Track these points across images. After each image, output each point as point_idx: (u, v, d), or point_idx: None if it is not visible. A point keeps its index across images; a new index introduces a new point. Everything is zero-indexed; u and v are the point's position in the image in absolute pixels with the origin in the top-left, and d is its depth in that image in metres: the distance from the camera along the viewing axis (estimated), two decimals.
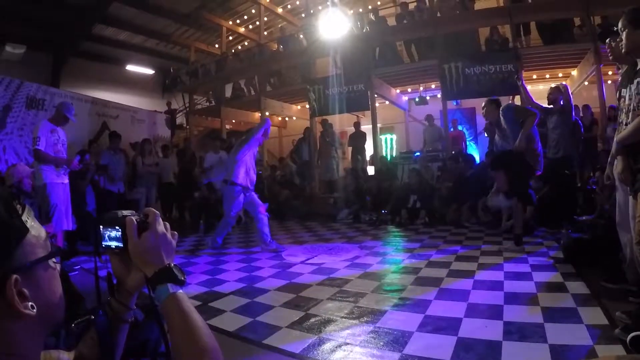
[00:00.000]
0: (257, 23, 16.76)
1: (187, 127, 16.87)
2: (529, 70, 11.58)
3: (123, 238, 1.05)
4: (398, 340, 2.89)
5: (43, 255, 0.86)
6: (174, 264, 1.04)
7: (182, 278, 1.03)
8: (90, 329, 1.11)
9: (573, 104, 6.88)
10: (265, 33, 16.98)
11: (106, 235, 1.08)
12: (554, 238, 5.86)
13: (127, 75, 18.63)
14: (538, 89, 11.57)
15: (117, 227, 1.06)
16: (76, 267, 5.34)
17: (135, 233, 1.04)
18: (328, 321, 3.34)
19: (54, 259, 0.90)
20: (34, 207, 5.65)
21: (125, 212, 1.08)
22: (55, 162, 5.69)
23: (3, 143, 9.00)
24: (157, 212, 1.09)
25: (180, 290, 1.01)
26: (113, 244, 1.07)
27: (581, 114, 9.19)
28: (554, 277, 4.20)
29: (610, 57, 3.32)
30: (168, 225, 1.11)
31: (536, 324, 2.99)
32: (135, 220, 1.05)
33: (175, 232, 1.12)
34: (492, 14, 11.34)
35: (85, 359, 1.08)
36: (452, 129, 12.26)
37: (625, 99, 3.05)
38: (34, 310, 0.79)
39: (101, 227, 1.08)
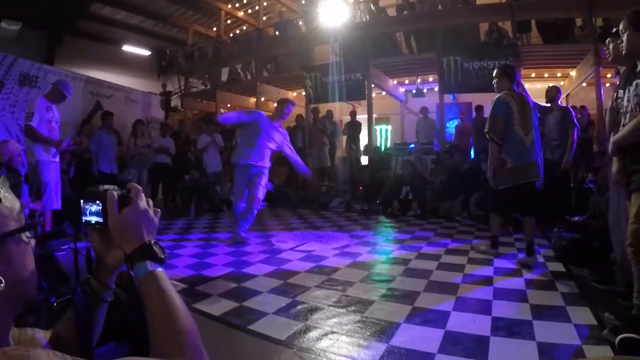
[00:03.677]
0: (257, 8, 16.63)
1: (182, 109, 16.77)
2: (528, 68, 11.55)
3: (103, 213, 1.01)
4: (385, 331, 2.86)
5: (15, 228, 0.82)
6: (155, 242, 1.00)
7: (162, 256, 0.99)
8: (69, 308, 1.07)
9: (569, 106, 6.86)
10: (264, 18, 16.86)
11: (87, 210, 1.04)
12: (545, 237, 5.86)
13: (123, 55, 18.43)
14: (536, 88, 11.56)
15: (97, 202, 1.02)
16: (63, 247, 5.27)
17: (115, 208, 0.99)
18: (315, 309, 3.32)
19: (27, 234, 0.86)
20: (24, 185, 5.62)
21: (106, 186, 1.04)
22: (45, 142, 5.61)
23: None
24: (140, 187, 1.05)
25: (160, 269, 0.97)
26: (93, 219, 1.03)
27: (578, 115, 9.18)
28: (543, 275, 4.18)
29: (610, 59, 3.29)
30: (151, 202, 1.07)
31: (524, 320, 2.97)
32: (117, 194, 1.01)
33: (158, 210, 1.08)
34: (493, 10, 11.28)
35: (62, 338, 1.05)
36: (459, 122, 12.23)
37: (623, 101, 3.03)
38: (2, 284, 0.75)
39: (82, 201, 1.04)
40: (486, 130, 4.83)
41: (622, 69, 3.37)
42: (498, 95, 4.85)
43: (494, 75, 5.14)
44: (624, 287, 3.41)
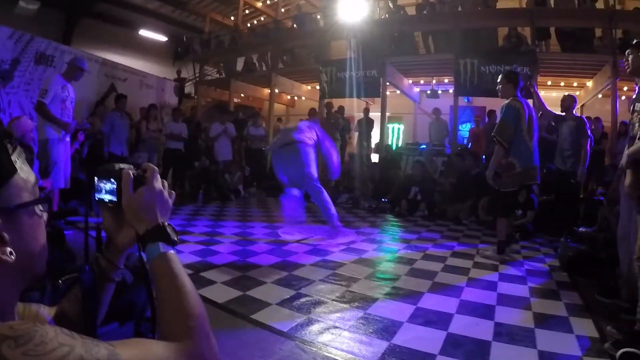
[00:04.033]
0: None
1: (195, 97, 16.78)
2: (544, 76, 11.46)
3: (117, 192, 1.01)
4: (387, 329, 2.88)
5: (29, 200, 0.82)
6: (168, 224, 1.00)
7: (176, 238, 0.99)
8: (75, 286, 1.08)
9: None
10: (283, 10, 16.83)
11: (101, 188, 1.04)
12: (552, 246, 5.84)
13: (140, 40, 18.43)
14: (551, 96, 11.48)
15: (112, 180, 1.01)
16: (72, 226, 5.32)
17: (131, 187, 0.99)
18: (318, 302, 3.34)
19: (40, 207, 0.87)
20: (35, 161, 5.66)
21: (122, 165, 1.03)
22: (55, 122, 5.63)
23: (9, 96, 8.93)
24: (156, 167, 1.05)
25: (172, 251, 0.97)
26: (107, 197, 1.03)
27: (592, 127, 9.13)
28: (548, 284, 4.19)
29: (628, 70, 3.26)
30: (166, 183, 1.07)
31: (527, 328, 2.98)
32: (132, 174, 1.01)
33: (173, 192, 1.08)
34: (513, 15, 11.21)
35: (67, 315, 1.05)
36: (474, 126, 12.18)
37: (639, 113, 3.02)
38: (12, 257, 0.75)
39: (96, 178, 1.04)
40: (494, 134, 4.96)
41: None
42: (507, 101, 4.97)
43: (498, 81, 5.23)
44: (628, 302, 3.38)
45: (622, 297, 3.51)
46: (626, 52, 3.04)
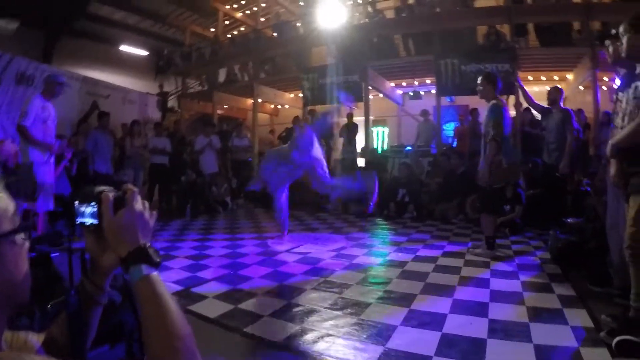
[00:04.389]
0: (255, 9, 16.59)
1: (179, 110, 16.71)
2: (525, 71, 11.54)
3: (98, 214, 0.99)
4: (381, 334, 2.86)
5: (9, 230, 0.81)
6: (150, 245, 0.98)
7: (157, 260, 0.97)
8: (63, 311, 1.06)
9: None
10: (262, 19, 16.80)
11: (82, 212, 1.02)
12: (541, 239, 5.87)
13: (121, 55, 18.36)
14: (533, 91, 11.50)
15: (92, 203, 1.00)
16: (58, 249, 5.22)
17: (111, 209, 0.98)
18: (311, 311, 3.31)
19: (22, 235, 0.84)
20: (18, 185, 5.55)
21: (102, 188, 1.02)
22: (37, 146, 5.53)
23: None
24: (136, 189, 1.03)
25: (155, 273, 0.95)
26: (88, 220, 1.01)
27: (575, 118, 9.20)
28: (540, 277, 4.20)
29: (610, 60, 3.27)
30: (147, 203, 1.05)
31: (521, 323, 2.98)
32: (112, 196, 1.00)
33: (154, 212, 1.06)
34: (492, 13, 11.30)
35: (56, 341, 1.03)
36: (459, 124, 12.23)
37: (622, 103, 3.03)
38: None
39: (76, 202, 1.02)
40: (493, 134, 4.96)
41: (623, 71, 3.36)
42: (494, 102, 5.12)
43: (478, 82, 5.35)
44: (620, 290, 3.42)
45: (615, 286, 3.54)
46: (606, 43, 3.05)
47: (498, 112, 5.03)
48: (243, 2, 17.16)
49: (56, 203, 5.92)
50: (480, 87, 5.28)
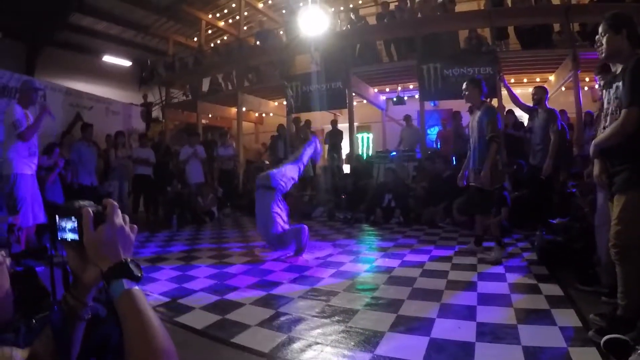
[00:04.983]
0: (237, 17, 16.60)
1: (163, 120, 16.64)
2: (507, 74, 11.59)
3: (79, 230, 0.99)
4: (370, 341, 2.83)
5: None
6: (131, 259, 0.98)
7: (139, 274, 0.97)
8: (46, 326, 1.04)
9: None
10: (245, 28, 16.82)
11: (62, 227, 1.01)
12: (529, 240, 5.89)
13: (104, 66, 18.19)
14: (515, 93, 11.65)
15: (72, 218, 1.00)
16: (42, 264, 5.11)
17: (91, 225, 0.97)
18: (299, 320, 3.27)
19: (2, 253, 0.82)
20: (1, 199, 5.46)
21: (82, 202, 1.02)
22: (38, 124, 5.45)
23: None
24: (116, 203, 1.02)
25: (137, 287, 0.95)
26: (69, 236, 1.01)
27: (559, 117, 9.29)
28: (527, 278, 4.20)
29: (602, 56, 3.23)
30: (127, 218, 1.04)
31: (509, 325, 2.97)
32: (92, 211, 0.99)
33: (135, 226, 1.06)
34: (472, 17, 11.41)
35: (40, 357, 1.02)
36: (441, 128, 12.29)
37: (604, 103, 3.05)
38: None
39: (57, 217, 1.02)
40: (493, 134, 5.07)
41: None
42: (487, 105, 5.35)
43: (464, 87, 5.43)
44: (608, 288, 3.47)
45: (603, 284, 3.59)
46: (596, 39, 3.05)
47: (492, 113, 5.17)
48: (226, 12, 17.22)
49: (48, 213, 5.82)
50: (466, 92, 5.36)
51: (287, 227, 5.68)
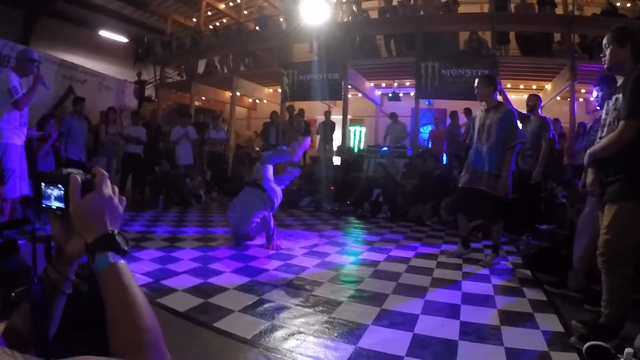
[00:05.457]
0: (238, 1, 16.48)
1: (156, 99, 16.50)
2: (504, 79, 11.59)
3: (65, 198, 0.94)
4: (353, 333, 2.82)
5: None
6: (119, 231, 0.93)
7: (126, 248, 0.92)
8: (25, 300, 1.00)
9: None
10: (245, 12, 16.69)
11: (48, 194, 0.96)
12: (514, 244, 5.92)
13: (100, 41, 17.93)
14: (510, 98, 11.68)
15: (59, 185, 0.95)
16: (24, 236, 4.99)
17: (78, 193, 0.92)
18: (282, 308, 3.26)
19: None
20: None
21: (70, 170, 0.97)
22: (31, 93, 5.26)
23: None
24: (105, 172, 0.98)
25: (122, 261, 0.90)
26: (54, 204, 0.96)
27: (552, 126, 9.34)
28: (512, 281, 4.23)
29: (605, 67, 3.22)
30: (117, 189, 1.00)
31: (493, 326, 2.99)
32: (80, 179, 0.94)
33: (124, 198, 1.01)
34: (474, 19, 11.43)
35: (17, 330, 0.97)
36: (433, 127, 12.30)
37: (603, 114, 3.07)
38: None
39: (43, 184, 0.97)
40: (515, 142, 4.87)
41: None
42: (506, 107, 5.01)
43: (476, 85, 5.16)
44: (576, 292, 3.68)
45: (570, 288, 3.77)
46: (604, 44, 3.05)
47: (514, 117, 4.93)
48: None
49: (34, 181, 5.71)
50: (479, 90, 5.08)
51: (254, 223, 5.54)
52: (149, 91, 17.23)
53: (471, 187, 5.00)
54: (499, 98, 5.50)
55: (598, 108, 4.34)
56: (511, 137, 4.82)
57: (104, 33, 17.79)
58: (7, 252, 3.05)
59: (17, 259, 3.06)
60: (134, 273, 0.89)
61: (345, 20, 12.93)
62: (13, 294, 1.03)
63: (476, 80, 5.23)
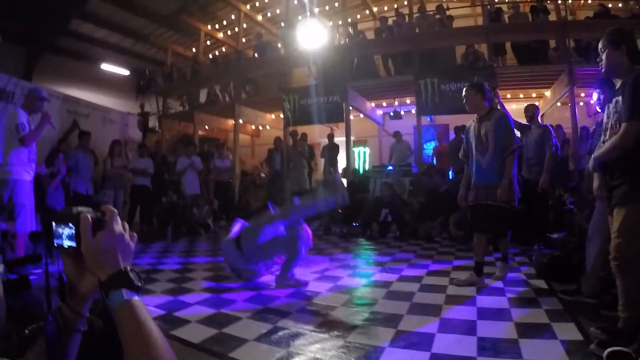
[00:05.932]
0: (236, 29, 16.69)
1: (159, 130, 16.60)
2: (503, 89, 11.71)
3: (76, 236, 0.95)
4: (369, 356, 2.79)
5: None
6: (131, 268, 0.94)
7: (139, 284, 0.93)
8: (40, 338, 1.00)
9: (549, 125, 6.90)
10: (244, 40, 16.89)
11: (59, 233, 0.97)
12: (526, 255, 5.87)
13: (102, 74, 18.10)
14: (511, 108, 11.65)
15: (70, 224, 0.96)
16: (36, 271, 5.03)
17: (89, 231, 0.94)
18: (297, 334, 3.23)
19: None
20: None
21: (80, 208, 0.98)
22: (39, 130, 5.39)
23: None
24: (115, 210, 0.99)
25: (137, 297, 0.91)
26: (66, 242, 0.97)
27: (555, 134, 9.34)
28: (526, 293, 4.19)
29: (603, 70, 3.21)
30: (127, 225, 1.01)
31: (510, 339, 2.95)
32: (91, 217, 0.95)
33: (135, 234, 1.03)
34: (470, 33, 11.54)
35: None
36: (437, 143, 12.32)
37: (604, 117, 3.08)
38: None
39: (54, 223, 0.97)
40: (515, 147, 4.59)
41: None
42: (500, 112, 4.78)
43: (464, 94, 4.89)
44: (590, 298, 3.66)
45: (584, 293, 3.74)
46: (599, 48, 3.05)
47: (508, 122, 4.65)
48: (225, 23, 17.29)
49: (44, 218, 5.76)
50: (467, 99, 4.81)
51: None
52: (152, 122, 17.34)
53: (479, 202, 4.68)
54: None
55: (599, 110, 4.34)
56: (508, 142, 4.55)
57: (106, 66, 17.98)
58: (19, 289, 3.06)
59: (29, 296, 3.07)
60: (146, 305, 0.90)
61: (342, 42, 13.06)
62: (27, 330, 1.03)
63: (463, 91, 4.94)
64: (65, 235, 0.97)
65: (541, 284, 4.43)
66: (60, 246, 0.98)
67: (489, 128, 4.62)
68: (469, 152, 4.88)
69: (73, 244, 0.96)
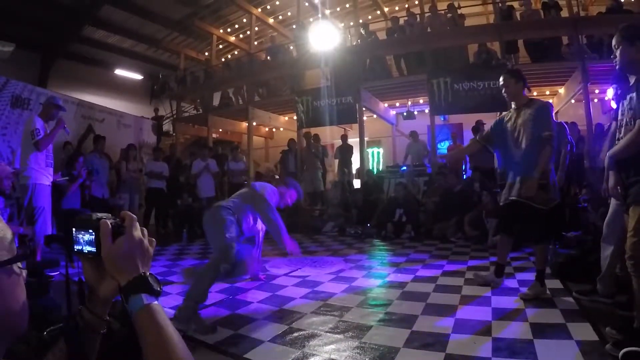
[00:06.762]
0: (248, 33, 16.76)
1: (174, 134, 16.74)
2: None
3: (96, 242, 0.97)
4: (384, 357, 2.80)
5: (6, 259, 0.79)
6: (150, 273, 0.97)
7: (158, 289, 0.96)
8: (60, 340, 1.02)
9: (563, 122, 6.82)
10: (256, 43, 16.98)
11: (79, 239, 1.00)
12: None
13: (116, 79, 18.40)
14: None
15: (90, 231, 0.98)
16: (54, 274, 5.12)
17: (109, 237, 0.96)
18: (312, 335, 3.25)
19: (19, 264, 0.82)
20: (13, 208, 5.46)
21: (100, 215, 1.00)
22: (53, 139, 5.49)
23: None
24: (134, 216, 1.02)
25: (156, 302, 0.94)
26: (86, 248, 1.00)
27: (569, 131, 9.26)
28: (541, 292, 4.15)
29: (617, 67, 3.12)
30: (146, 231, 1.04)
31: (526, 340, 2.94)
32: (110, 223, 0.98)
33: (154, 239, 1.05)
34: (481, 31, 11.47)
35: None
36: (451, 143, 12.28)
37: (619, 114, 3.05)
38: None
39: (74, 229, 1.00)
40: (549, 133, 4.08)
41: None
42: (540, 101, 4.42)
43: (501, 82, 4.46)
44: (606, 298, 3.63)
45: (600, 293, 3.71)
46: (613, 45, 3.02)
47: (550, 112, 4.22)
48: (237, 27, 17.39)
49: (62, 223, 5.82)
50: (506, 87, 4.39)
51: None
52: (167, 126, 17.50)
53: (511, 200, 4.23)
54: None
55: (615, 107, 4.23)
56: (544, 128, 4.07)
57: (119, 71, 18.23)
58: (38, 293, 3.12)
59: (47, 299, 3.13)
60: (163, 307, 0.92)
61: (354, 43, 13.05)
62: (45, 332, 1.06)
63: (501, 78, 4.48)
64: (85, 241, 0.99)
65: (556, 283, 4.41)
66: (80, 251, 1.01)
67: (527, 117, 4.23)
68: (500, 144, 4.51)
69: (93, 249, 0.98)
